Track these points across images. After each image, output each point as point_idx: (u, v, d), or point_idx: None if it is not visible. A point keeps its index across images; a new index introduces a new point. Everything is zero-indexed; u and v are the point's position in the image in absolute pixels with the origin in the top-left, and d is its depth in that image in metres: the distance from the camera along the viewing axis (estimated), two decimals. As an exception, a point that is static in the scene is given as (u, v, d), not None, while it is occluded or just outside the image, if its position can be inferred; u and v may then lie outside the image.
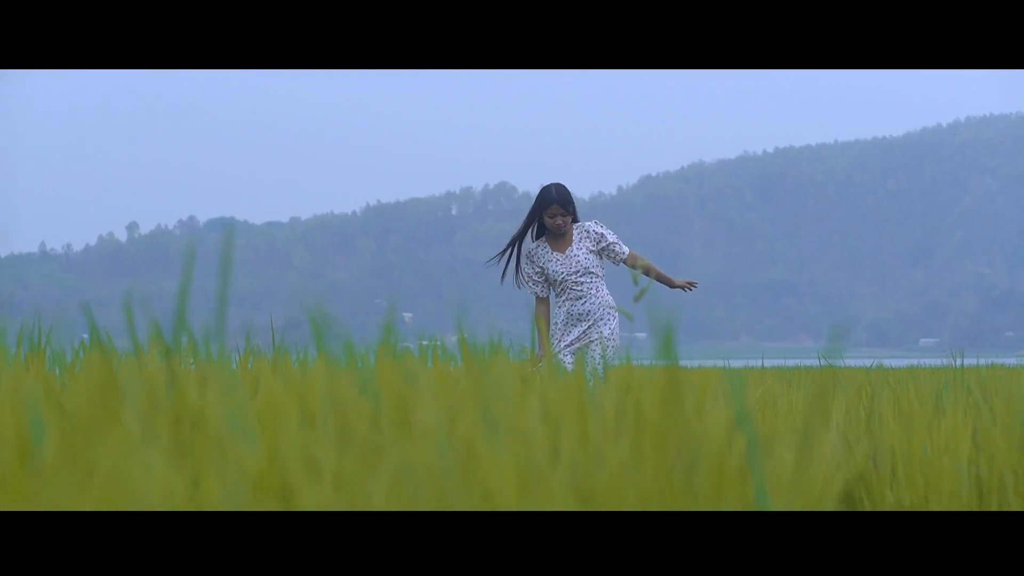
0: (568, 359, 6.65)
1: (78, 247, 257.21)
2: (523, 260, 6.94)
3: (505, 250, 6.95)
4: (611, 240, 6.85)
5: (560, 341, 6.75)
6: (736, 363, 16.85)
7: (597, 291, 6.79)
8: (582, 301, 6.74)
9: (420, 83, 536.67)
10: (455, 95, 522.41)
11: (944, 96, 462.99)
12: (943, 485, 2.52)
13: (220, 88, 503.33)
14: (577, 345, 6.74)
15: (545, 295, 6.91)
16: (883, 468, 2.69)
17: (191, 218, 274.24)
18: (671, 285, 6.99)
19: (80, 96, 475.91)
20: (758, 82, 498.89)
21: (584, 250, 6.81)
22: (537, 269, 6.87)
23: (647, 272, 6.91)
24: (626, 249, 6.89)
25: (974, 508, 2.47)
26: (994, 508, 2.44)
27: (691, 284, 7.03)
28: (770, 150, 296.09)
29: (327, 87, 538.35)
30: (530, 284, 6.90)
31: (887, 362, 15.58)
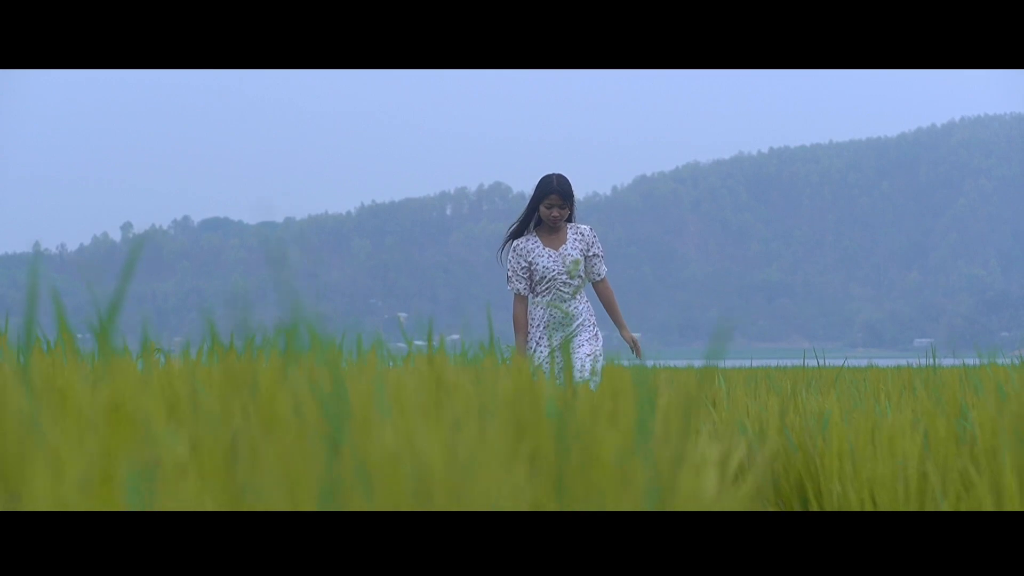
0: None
1: (72, 247, 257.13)
2: (510, 254, 6.56)
3: (507, 240, 6.62)
4: (599, 253, 6.57)
5: (539, 344, 6.42)
6: (725, 363, 16.81)
7: (583, 296, 6.52)
8: (567, 304, 6.44)
9: (416, 82, 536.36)
10: (450, 94, 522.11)
11: (939, 96, 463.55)
12: (885, 483, 2.52)
13: (215, 88, 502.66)
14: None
15: (527, 294, 6.52)
16: (830, 466, 2.69)
17: (185, 218, 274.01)
18: (620, 331, 6.77)
19: (75, 96, 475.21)
20: (753, 82, 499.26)
21: (577, 251, 6.50)
22: (524, 264, 6.49)
23: (608, 304, 6.72)
24: (605, 270, 6.62)
25: (912, 508, 2.47)
26: (931, 508, 2.43)
27: (636, 345, 6.69)
28: (765, 150, 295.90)
29: (323, 87, 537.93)
30: (514, 280, 6.52)
31: (880, 362, 15.63)
